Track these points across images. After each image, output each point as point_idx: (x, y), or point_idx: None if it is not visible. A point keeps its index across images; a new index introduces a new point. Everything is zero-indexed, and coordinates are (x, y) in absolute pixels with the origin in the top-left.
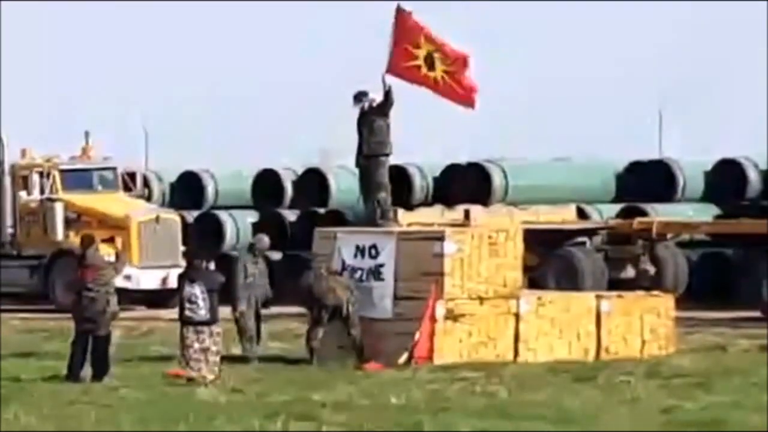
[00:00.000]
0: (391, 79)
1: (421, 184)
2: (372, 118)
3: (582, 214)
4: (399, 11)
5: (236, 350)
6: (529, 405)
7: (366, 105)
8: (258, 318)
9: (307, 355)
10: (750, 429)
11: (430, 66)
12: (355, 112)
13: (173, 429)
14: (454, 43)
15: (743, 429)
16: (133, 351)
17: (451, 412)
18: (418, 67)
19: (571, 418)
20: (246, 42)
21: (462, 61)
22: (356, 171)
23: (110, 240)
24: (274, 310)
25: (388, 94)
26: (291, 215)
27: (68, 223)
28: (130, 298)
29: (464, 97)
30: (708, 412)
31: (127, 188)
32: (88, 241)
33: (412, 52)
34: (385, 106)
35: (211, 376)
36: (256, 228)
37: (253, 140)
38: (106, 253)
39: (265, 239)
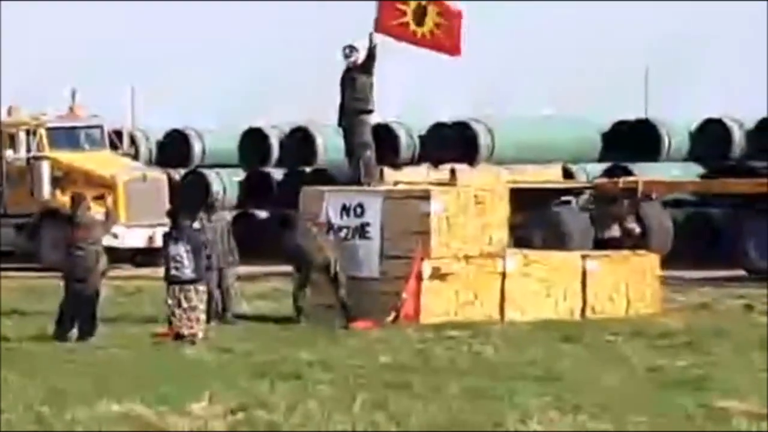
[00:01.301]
0: (379, 38)
1: (407, 143)
2: (355, 76)
3: (568, 174)
4: None
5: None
6: (516, 364)
7: (351, 61)
8: (220, 286)
9: (294, 314)
10: (735, 387)
11: (419, 21)
12: (340, 70)
13: (161, 387)
14: None
15: (728, 387)
16: (120, 310)
17: (438, 371)
18: (407, 24)
19: (558, 376)
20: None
21: (457, 15)
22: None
23: (101, 198)
24: (262, 269)
25: (372, 51)
26: (278, 174)
27: (55, 182)
28: (117, 256)
29: (451, 46)
30: (694, 370)
31: (114, 147)
32: (78, 200)
33: (400, 9)
34: (368, 64)
35: (199, 335)
36: (243, 186)
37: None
38: (96, 211)
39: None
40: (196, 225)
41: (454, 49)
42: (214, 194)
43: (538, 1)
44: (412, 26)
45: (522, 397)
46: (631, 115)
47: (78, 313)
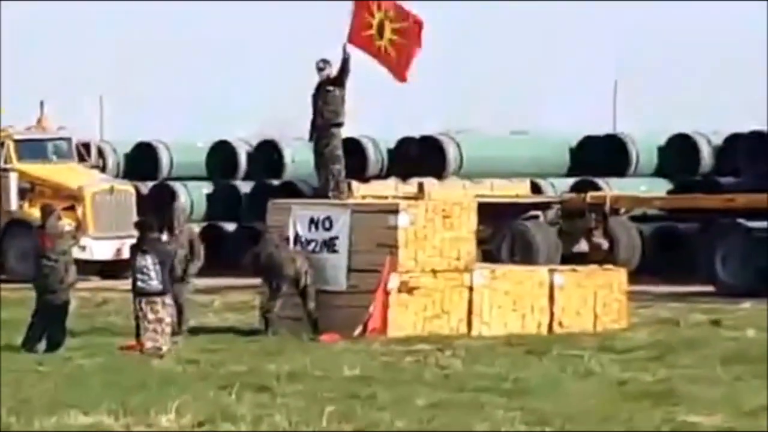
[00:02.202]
0: (351, 49)
1: (375, 157)
2: (327, 89)
3: (536, 188)
4: None
5: (193, 321)
6: (483, 377)
7: (325, 74)
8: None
9: (262, 326)
10: (701, 402)
11: (381, 34)
12: (311, 82)
13: (128, 399)
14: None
15: (695, 402)
16: (87, 322)
17: (405, 383)
18: (371, 36)
19: (526, 389)
20: (201, 11)
21: (415, 30)
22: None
23: (70, 209)
24: (229, 281)
25: (345, 63)
26: (245, 187)
27: (22, 194)
28: (85, 268)
29: (399, 69)
30: (660, 384)
31: (81, 159)
32: (48, 210)
33: (368, 20)
34: (341, 76)
35: (165, 347)
36: (210, 199)
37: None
38: (67, 222)
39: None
40: (164, 237)
41: (400, 73)
42: (178, 207)
43: (507, 18)
44: (376, 39)
45: (490, 410)
46: (599, 131)
47: (48, 324)
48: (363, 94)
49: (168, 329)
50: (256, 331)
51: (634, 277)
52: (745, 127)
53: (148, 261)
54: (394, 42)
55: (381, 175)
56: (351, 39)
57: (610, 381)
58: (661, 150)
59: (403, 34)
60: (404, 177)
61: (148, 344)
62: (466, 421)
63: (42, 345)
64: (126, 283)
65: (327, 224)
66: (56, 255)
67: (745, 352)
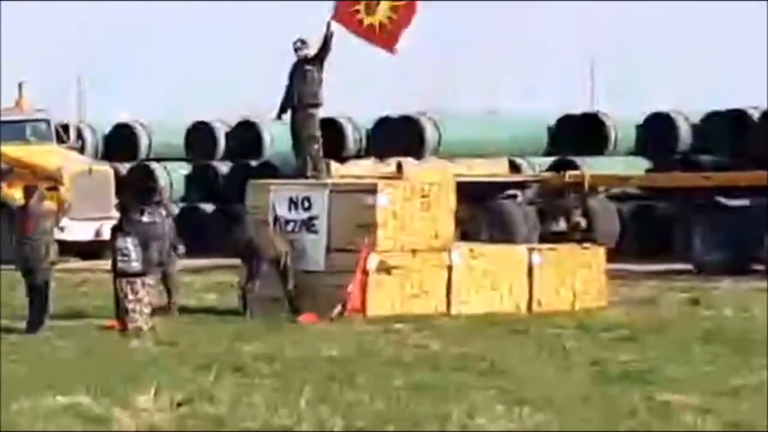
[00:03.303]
0: (335, 26)
1: (353, 137)
2: (306, 68)
3: (514, 168)
4: None
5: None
6: (462, 357)
7: (303, 54)
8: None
9: (240, 306)
10: (679, 381)
11: (370, 10)
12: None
13: (106, 380)
14: None
15: (673, 381)
16: (65, 303)
17: (383, 364)
18: (357, 11)
19: (503, 370)
20: None
21: (410, 7)
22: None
23: (52, 189)
24: (208, 262)
25: (327, 41)
26: (224, 167)
27: (1, 175)
28: (64, 249)
29: (391, 43)
30: (637, 364)
31: (60, 140)
32: (31, 191)
33: None
34: (322, 54)
35: (145, 327)
36: (189, 180)
37: (186, 91)
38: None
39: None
40: (146, 218)
41: (392, 47)
42: (159, 188)
43: None
44: (361, 14)
45: (467, 391)
46: (577, 110)
47: (29, 303)
48: (341, 72)
49: (147, 310)
50: (234, 312)
51: (612, 255)
52: (723, 105)
53: (128, 242)
54: (391, 20)
55: (359, 155)
56: (336, 15)
57: (588, 361)
58: (639, 128)
59: (398, 11)
60: (382, 157)
61: (129, 325)
62: (444, 403)
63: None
64: (105, 264)
65: (306, 204)
66: (38, 235)
67: (722, 331)
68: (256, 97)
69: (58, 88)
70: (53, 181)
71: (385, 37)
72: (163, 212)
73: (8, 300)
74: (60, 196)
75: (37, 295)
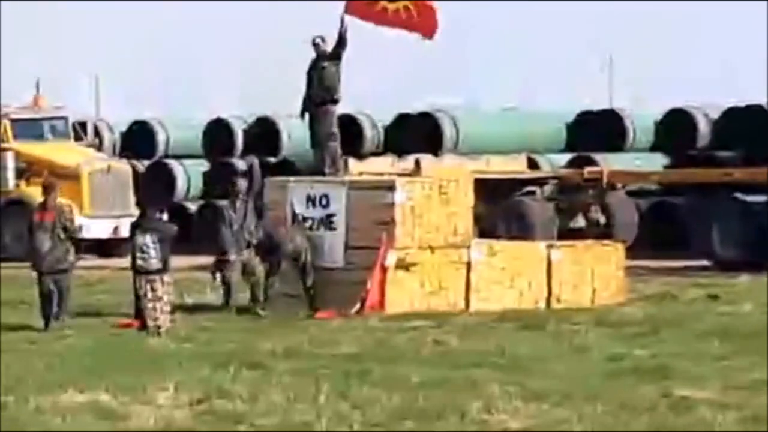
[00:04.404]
0: (349, 20)
1: (371, 134)
2: (323, 64)
3: (532, 164)
4: None
5: (189, 299)
6: (479, 353)
7: (321, 51)
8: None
9: (256, 303)
10: (698, 377)
11: None
12: (306, 60)
13: (125, 377)
14: None
15: (692, 377)
16: (84, 300)
17: (401, 360)
18: (375, 2)
19: (522, 365)
20: None
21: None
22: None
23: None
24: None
25: (342, 36)
26: (242, 164)
27: (19, 173)
28: (82, 247)
29: (425, 27)
30: (657, 359)
31: (78, 138)
32: (49, 189)
33: None
34: (338, 50)
35: (165, 325)
36: (207, 177)
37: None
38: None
39: (240, 183)
40: (165, 216)
41: (427, 30)
42: (238, 182)
43: None
44: (383, 3)
45: (486, 386)
46: (596, 106)
47: (48, 300)
48: (358, 69)
49: (167, 308)
50: (253, 309)
51: (631, 251)
52: (742, 100)
53: (147, 239)
54: (414, 3)
55: (377, 152)
56: (348, 8)
57: (606, 356)
58: (658, 124)
59: None
60: (400, 154)
61: (149, 322)
62: (462, 398)
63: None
64: (122, 262)
65: (324, 201)
66: (55, 233)
67: (741, 326)
68: (273, 93)
69: (74, 87)
70: (70, 178)
71: (415, 20)
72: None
73: (27, 297)
74: (75, 193)
75: (55, 293)
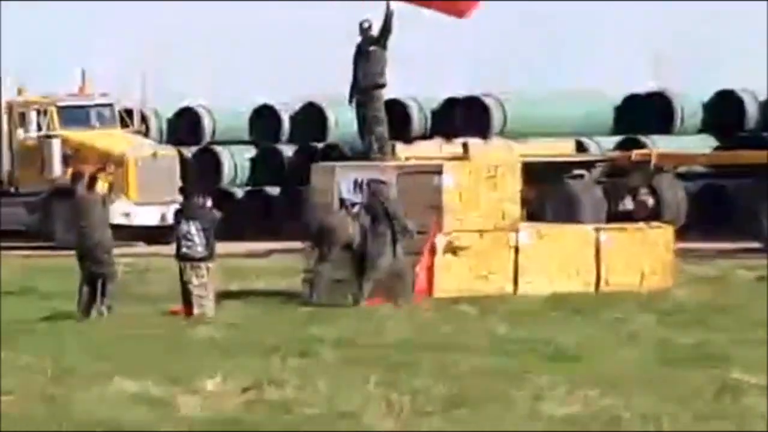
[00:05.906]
0: (394, 5)
1: (419, 118)
2: (369, 49)
3: (580, 147)
4: None
5: (237, 286)
6: (528, 341)
7: (368, 35)
8: None
9: (305, 291)
10: (748, 364)
11: None
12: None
13: (173, 365)
14: None
15: (742, 362)
16: (131, 288)
17: (449, 349)
18: None
19: (570, 352)
20: None
21: None
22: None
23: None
24: (275, 245)
25: (387, 21)
26: (289, 150)
27: (66, 160)
28: (129, 234)
29: (461, 7)
30: (705, 345)
31: (124, 124)
32: (94, 178)
33: None
34: (384, 35)
35: (211, 312)
36: (254, 163)
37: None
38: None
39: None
40: (209, 203)
41: (465, 8)
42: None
43: None
44: None
45: (533, 374)
46: (644, 88)
47: (94, 289)
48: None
49: (212, 294)
50: (300, 296)
51: (680, 234)
52: None
53: (191, 227)
54: None
55: (425, 136)
56: None
57: (655, 342)
58: (707, 106)
59: None
60: (448, 137)
61: (195, 310)
62: (510, 387)
63: (97, 311)
64: (170, 249)
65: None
66: (100, 221)
67: None
68: (320, 78)
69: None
70: (117, 165)
71: (453, 3)
72: None
73: (70, 286)
74: (114, 179)
75: (99, 283)
